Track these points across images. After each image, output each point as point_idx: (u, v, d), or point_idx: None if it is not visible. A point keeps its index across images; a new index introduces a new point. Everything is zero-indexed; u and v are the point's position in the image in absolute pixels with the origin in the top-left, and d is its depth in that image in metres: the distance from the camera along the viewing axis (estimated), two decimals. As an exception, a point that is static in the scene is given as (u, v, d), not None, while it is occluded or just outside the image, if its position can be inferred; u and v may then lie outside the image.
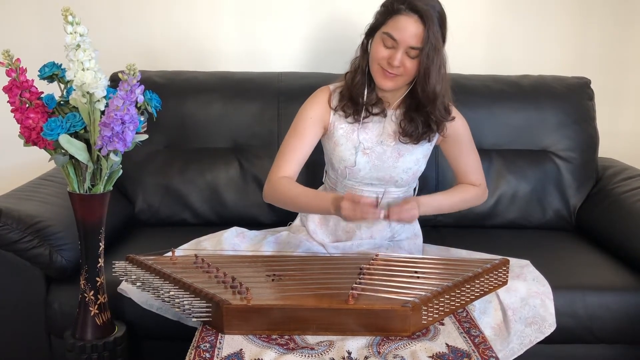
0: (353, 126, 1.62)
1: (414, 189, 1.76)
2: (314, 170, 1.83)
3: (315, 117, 1.62)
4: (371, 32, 1.56)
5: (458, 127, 1.65)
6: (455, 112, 1.64)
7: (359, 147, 1.61)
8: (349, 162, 1.62)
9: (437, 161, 2.03)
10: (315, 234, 1.71)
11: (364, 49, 1.58)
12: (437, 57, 1.49)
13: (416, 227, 1.77)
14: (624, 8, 2.33)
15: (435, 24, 1.47)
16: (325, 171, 1.76)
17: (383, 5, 1.54)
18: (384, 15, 1.51)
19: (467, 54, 2.34)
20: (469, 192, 1.69)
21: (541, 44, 2.35)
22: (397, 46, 1.49)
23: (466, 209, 1.75)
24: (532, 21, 2.33)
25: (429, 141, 1.63)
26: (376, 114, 1.61)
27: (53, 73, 1.40)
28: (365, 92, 1.59)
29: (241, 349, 1.19)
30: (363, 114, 1.60)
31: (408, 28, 1.47)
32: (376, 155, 1.62)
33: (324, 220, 1.72)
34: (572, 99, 2.11)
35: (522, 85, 2.13)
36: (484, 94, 2.10)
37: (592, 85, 2.16)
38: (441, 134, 1.62)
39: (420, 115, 1.58)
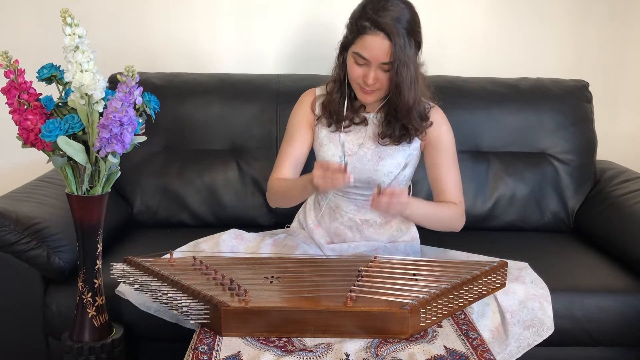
0: (335, 132, 1.65)
1: (409, 192, 1.75)
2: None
3: (302, 121, 1.68)
4: (344, 48, 1.57)
5: (441, 132, 1.63)
6: (441, 115, 1.63)
7: (343, 148, 1.63)
8: (332, 163, 1.62)
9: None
10: (313, 234, 1.72)
11: (341, 62, 1.59)
12: (407, 71, 1.48)
13: (413, 230, 1.77)
14: (622, 11, 2.34)
15: (402, 36, 1.45)
16: None
17: (349, 22, 1.53)
18: (352, 33, 1.51)
19: (465, 56, 2.35)
20: (451, 209, 1.62)
21: (539, 47, 2.35)
22: (369, 64, 1.49)
23: (446, 230, 1.66)
24: (530, 24, 2.33)
25: (409, 142, 1.62)
26: (357, 123, 1.63)
27: (51, 74, 1.40)
28: (346, 104, 1.61)
29: (239, 351, 1.19)
30: (345, 123, 1.63)
31: (375, 47, 1.46)
32: (357, 158, 1.63)
33: (318, 223, 1.73)
34: (570, 102, 2.11)
35: (520, 87, 2.13)
36: (482, 96, 2.10)
37: (590, 88, 2.16)
38: (421, 137, 1.61)
39: (398, 120, 1.58)
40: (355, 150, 1.63)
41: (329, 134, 1.65)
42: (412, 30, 1.48)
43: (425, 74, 1.58)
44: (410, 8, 1.49)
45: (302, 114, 1.68)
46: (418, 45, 1.52)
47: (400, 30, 1.44)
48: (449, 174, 1.63)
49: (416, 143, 1.65)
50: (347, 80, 1.59)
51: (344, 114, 1.62)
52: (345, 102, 1.61)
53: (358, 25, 1.48)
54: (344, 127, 1.63)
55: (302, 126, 1.67)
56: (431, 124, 1.61)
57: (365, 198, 1.65)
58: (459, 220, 1.64)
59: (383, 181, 1.63)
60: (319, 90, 1.70)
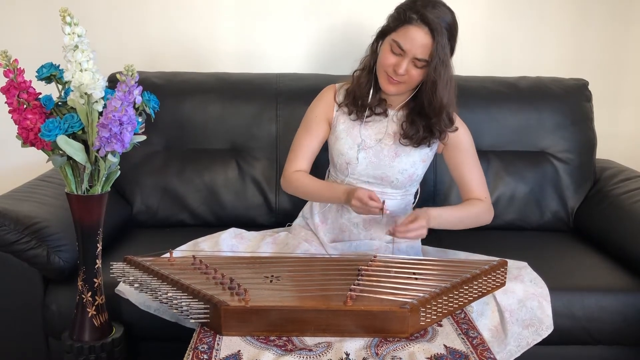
0: (355, 122, 1.66)
1: (415, 195, 1.76)
2: (319, 169, 1.82)
3: (321, 115, 1.70)
4: (382, 36, 1.59)
5: (460, 134, 1.67)
6: (459, 121, 1.67)
7: (360, 144, 1.64)
8: (348, 156, 1.65)
9: (435, 165, 2.02)
10: (317, 230, 1.73)
11: (373, 49, 1.61)
12: (445, 70, 1.52)
13: None
14: (622, 10, 2.33)
15: (444, 37, 1.49)
16: (328, 170, 1.78)
17: (396, 11, 1.56)
18: (396, 22, 1.54)
19: (465, 55, 2.32)
20: (477, 206, 1.67)
21: (539, 46, 2.35)
22: (404, 55, 1.52)
23: (476, 226, 1.70)
24: (530, 23, 2.33)
25: (429, 146, 1.64)
26: (378, 114, 1.65)
27: (51, 74, 1.39)
28: (371, 93, 1.62)
29: (239, 351, 1.19)
30: (366, 113, 1.64)
31: (417, 39, 1.49)
32: (374, 152, 1.64)
33: (324, 218, 1.74)
34: (570, 101, 2.11)
35: (520, 86, 2.13)
36: (482, 95, 2.10)
37: (590, 87, 2.16)
38: (442, 141, 1.64)
39: (423, 120, 1.60)
40: (372, 144, 1.65)
41: (346, 127, 1.67)
42: (452, 35, 1.53)
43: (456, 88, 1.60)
44: (454, 15, 1.55)
45: (321, 107, 1.71)
46: (452, 51, 1.56)
47: (443, 30, 1.49)
48: (472, 172, 1.69)
49: (433, 145, 1.66)
50: (375, 70, 1.61)
51: (369, 101, 1.63)
52: (371, 90, 1.62)
53: (405, 15, 1.51)
54: (366, 117, 1.64)
55: (321, 119, 1.70)
56: (456, 129, 1.63)
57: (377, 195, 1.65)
58: (486, 214, 1.69)
59: (396, 178, 1.64)
60: (338, 85, 1.73)
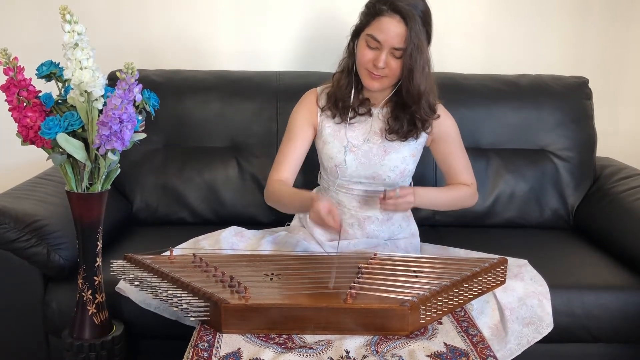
0: (340, 125, 1.66)
1: None
2: (313, 172, 1.82)
3: (304, 120, 1.68)
4: (356, 34, 1.59)
5: (447, 126, 1.67)
6: (443, 111, 1.66)
7: (347, 145, 1.64)
8: (337, 160, 1.64)
9: (434, 161, 2.02)
10: (313, 231, 1.72)
11: (350, 50, 1.61)
12: (421, 56, 1.51)
13: (413, 227, 1.78)
14: (623, 8, 2.33)
15: (417, 23, 1.49)
16: (320, 173, 1.78)
17: (366, 6, 1.56)
18: (367, 17, 1.54)
19: (465, 53, 2.34)
20: (462, 190, 1.69)
21: (539, 44, 2.35)
22: (381, 47, 1.52)
23: (460, 209, 1.75)
24: (530, 20, 2.33)
25: (416, 138, 1.64)
26: (362, 114, 1.64)
27: (51, 72, 1.39)
28: (352, 93, 1.62)
29: (239, 348, 1.19)
30: (350, 114, 1.64)
31: (391, 29, 1.49)
32: (362, 153, 1.64)
33: None
34: (570, 99, 2.11)
35: (520, 84, 2.13)
36: (482, 93, 2.10)
37: (590, 85, 2.16)
38: (427, 131, 1.64)
39: (406, 113, 1.60)
40: (359, 145, 1.64)
41: (333, 131, 1.66)
42: (426, 21, 1.52)
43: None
44: (425, 2, 1.54)
45: (304, 112, 1.69)
46: (429, 38, 1.55)
47: (416, 17, 1.48)
48: (459, 161, 1.70)
49: (422, 138, 1.66)
50: (355, 71, 1.60)
51: (350, 102, 1.62)
52: (352, 92, 1.62)
53: (375, 8, 1.51)
54: (349, 119, 1.64)
55: (304, 125, 1.68)
56: (438, 116, 1.63)
57: (368, 194, 1.65)
58: (471, 198, 1.71)
59: (388, 175, 1.64)
60: (320, 89, 1.71)
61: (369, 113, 1.65)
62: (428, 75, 1.55)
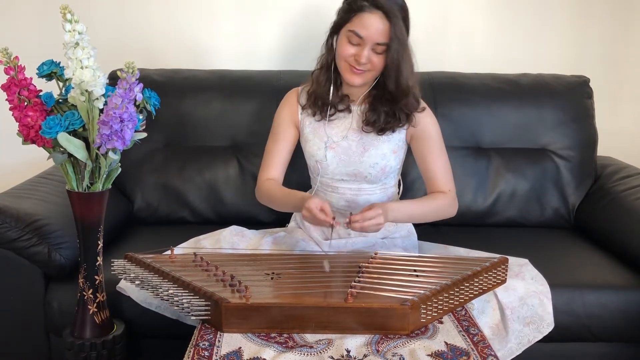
0: (320, 123, 1.67)
1: (399, 189, 1.76)
2: (305, 174, 1.82)
3: (286, 119, 1.70)
4: (336, 30, 1.58)
5: (427, 123, 1.65)
6: (427, 110, 1.65)
7: (327, 142, 1.65)
8: (318, 156, 1.66)
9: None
10: (310, 232, 1.72)
11: (329, 46, 1.61)
12: (405, 51, 1.52)
13: (409, 225, 1.78)
14: (624, 6, 2.33)
15: (399, 18, 1.49)
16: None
17: (346, 2, 1.56)
18: (348, 13, 1.54)
19: (466, 52, 2.34)
20: (438, 199, 1.64)
21: (540, 43, 2.35)
22: (363, 43, 1.51)
23: (440, 219, 1.68)
24: (531, 19, 2.33)
25: (393, 131, 1.63)
26: (341, 111, 1.65)
27: (52, 71, 1.39)
28: (332, 90, 1.62)
29: (240, 347, 1.19)
30: (330, 112, 1.64)
31: (373, 25, 1.49)
32: (342, 149, 1.64)
33: None
34: (571, 98, 2.11)
35: (521, 83, 2.13)
36: (483, 92, 2.09)
37: (591, 84, 2.15)
38: (411, 123, 1.62)
39: (384, 106, 1.59)
40: (339, 141, 1.64)
41: (313, 129, 1.67)
42: (405, 16, 1.53)
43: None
44: None
45: (286, 112, 1.71)
46: (408, 31, 1.56)
47: (397, 12, 1.49)
48: (437, 162, 1.65)
49: (400, 134, 1.65)
50: (334, 67, 1.60)
51: (330, 99, 1.63)
52: (331, 88, 1.62)
53: (356, 4, 1.51)
54: (329, 116, 1.64)
55: (287, 124, 1.70)
56: (424, 108, 1.63)
57: (354, 192, 1.66)
58: (448, 207, 1.66)
59: (369, 172, 1.64)
60: (301, 88, 1.73)
61: (348, 109, 1.65)
62: (412, 68, 1.55)
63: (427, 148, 1.65)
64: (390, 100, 1.58)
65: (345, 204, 1.68)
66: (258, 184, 1.71)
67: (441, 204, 1.64)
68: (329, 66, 1.62)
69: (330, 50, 1.60)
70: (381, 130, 1.61)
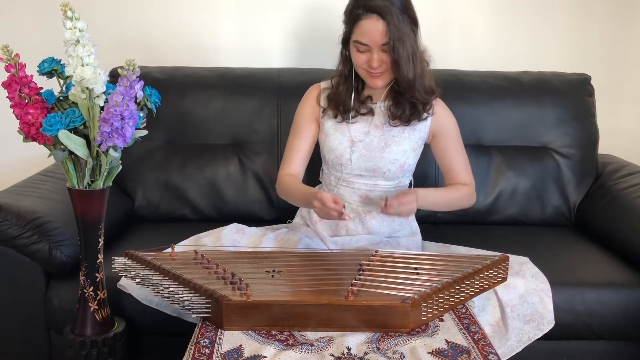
0: (342, 122, 1.69)
1: (410, 186, 1.76)
2: (316, 170, 1.83)
3: (308, 115, 1.72)
4: (345, 42, 1.62)
5: (447, 122, 1.70)
6: (443, 107, 1.70)
7: (352, 145, 1.66)
8: (338, 151, 1.66)
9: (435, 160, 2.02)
10: (316, 227, 1.73)
11: (344, 56, 1.65)
12: (403, 46, 1.52)
13: (414, 225, 1.78)
14: (625, 4, 2.33)
15: (395, 14, 1.50)
16: (322, 169, 1.79)
17: (345, 15, 1.60)
18: (349, 25, 1.58)
19: (467, 50, 2.34)
20: (461, 190, 1.70)
21: (541, 40, 2.34)
22: (371, 48, 1.54)
23: (459, 209, 1.75)
24: (532, 17, 2.32)
25: (419, 121, 1.65)
26: (364, 114, 1.68)
27: (52, 68, 1.39)
28: (353, 96, 1.66)
29: (240, 345, 1.19)
30: (351, 114, 1.67)
31: (372, 29, 1.52)
32: (364, 145, 1.66)
33: None
34: (572, 96, 2.11)
35: (522, 81, 2.12)
36: (484, 90, 2.09)
37: (592, 82, 2.15)
38: (429, 112, 1.65)
39: (405, 98, 1.62)
40: (361, 137, 1.66)
41: (334, 124, 1.69)
42: (405, 7, 1.54)
43: (428, 59, 1.62)
44: None
45: (308, 108, 1.73)
46: (414, 21, 1.56)
47: (393, 9, 1.50)
48: (457, 158, 1.72)
49: (422, 133, 1.67)
50: (353, 74, 1.64)
51: (351, 105, 1.66)
52: (352, 95, 1.65)
53: (352, 15, 1.55)
54: (351, 118, 1.66)
55: (308, 120, 1.72)
56: (440, 93, 1.66)
57: (369, 187, 1.67)
58: (469, 198, 1.73)
59: (388, 168, 1.65)
60: (324, 84, 1.74)
61: (371, 112, 1.67)
62: (416, 61, 1.56)
63: (448, 145, 1.71)
64: (405, 93, 1.61)
65: (357, 199, 1.69)
66: (278, 178, 1.73)
67: (463, 195, 1.71)
68: (346, 76, 1.65)
69: (345, 60, 1.64)
70: (408, 121, 1.64)
